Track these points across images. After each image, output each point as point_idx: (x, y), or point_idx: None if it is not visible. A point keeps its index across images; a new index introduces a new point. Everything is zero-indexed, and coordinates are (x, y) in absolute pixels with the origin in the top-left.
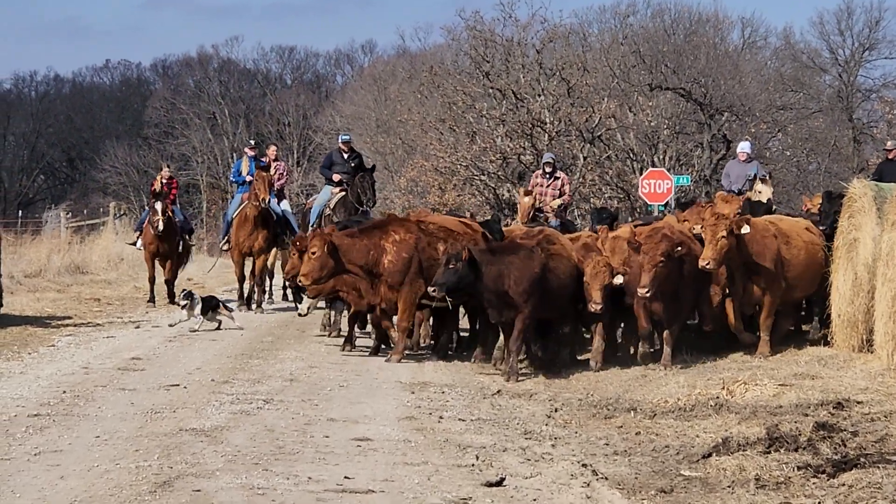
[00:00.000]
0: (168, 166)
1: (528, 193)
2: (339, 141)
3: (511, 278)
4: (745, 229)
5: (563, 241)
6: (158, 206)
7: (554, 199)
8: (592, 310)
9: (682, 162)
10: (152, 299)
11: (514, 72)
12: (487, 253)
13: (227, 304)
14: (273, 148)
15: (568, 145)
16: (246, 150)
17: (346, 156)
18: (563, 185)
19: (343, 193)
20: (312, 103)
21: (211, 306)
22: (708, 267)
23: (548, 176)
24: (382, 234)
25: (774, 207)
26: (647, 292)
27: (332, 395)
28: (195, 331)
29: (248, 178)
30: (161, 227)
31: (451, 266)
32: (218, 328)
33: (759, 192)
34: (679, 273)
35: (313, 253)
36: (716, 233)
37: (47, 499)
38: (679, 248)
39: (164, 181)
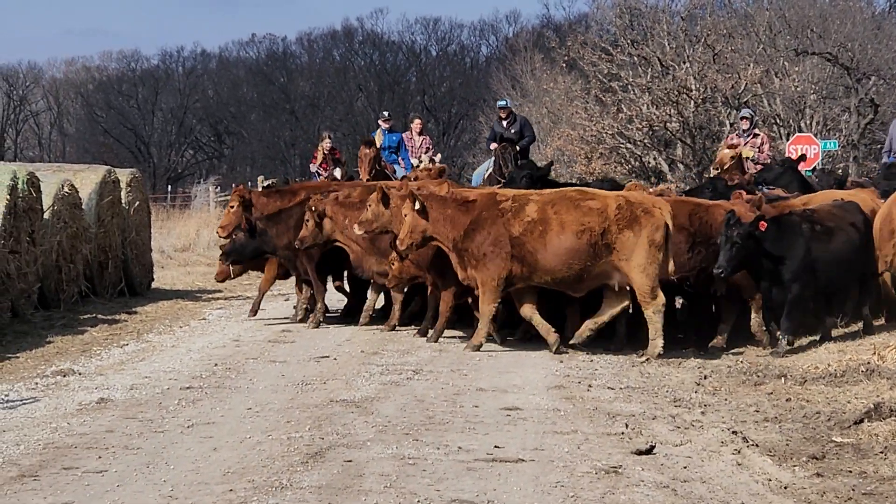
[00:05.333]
0: (330, 136)
1: (731, 146)
2: (497, 108)
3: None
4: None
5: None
6: (338, 172)
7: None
8: None
9: (829, 127)
10: None
11: (658, 39)
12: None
13: None
14: (418, 121)
15: (713, 112)
16: (380, 121)
17: (505, 123)
18: (762, 144)
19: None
20: (458, 74)
21: None
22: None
23: (745, 133)
24: (293, 197)
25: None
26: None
27: (481, 365)
28: None
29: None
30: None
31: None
32: None
33: None
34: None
35: (231, 207)
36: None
37: (200, 470)
38: None
39: (327, 152)
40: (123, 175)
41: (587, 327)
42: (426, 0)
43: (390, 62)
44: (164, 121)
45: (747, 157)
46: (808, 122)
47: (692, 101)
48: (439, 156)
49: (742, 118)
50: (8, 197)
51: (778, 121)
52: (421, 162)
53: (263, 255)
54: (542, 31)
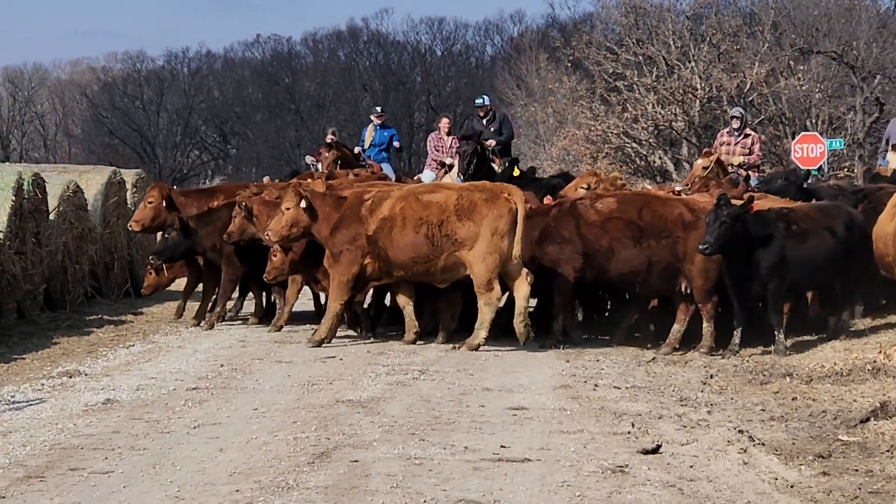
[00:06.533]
0: (334, 133)
1: (704, 155)
2: (476, 106)
3: None
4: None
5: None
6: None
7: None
8: None
9: (834, 126)
10: None
11: (663, 39)
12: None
13: None
14: (446, 120)
15: (719, 111)
16: (372, 117)
17: (485, 121)
18: (753, 144)
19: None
20: (462, 74)
21: None
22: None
23: (736, 133)
24: (209, 199)
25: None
26: None
27: (487, 365)
28: None
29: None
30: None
31: (166, 235)
32: None
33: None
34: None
35: (150, 202)
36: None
37: (207, 471)
38: None
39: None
40: (129, 176)
41: (519, 328)
42: (431, 0)
43: (395, 62)
44: (169, 121)
45: (734, 164)
46: (813, 121)
47: (697, 101)
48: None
49: (732, 118)
50: (13, 198)
51: (783, 120)
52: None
53: (194, 255)
54: (548, 30)
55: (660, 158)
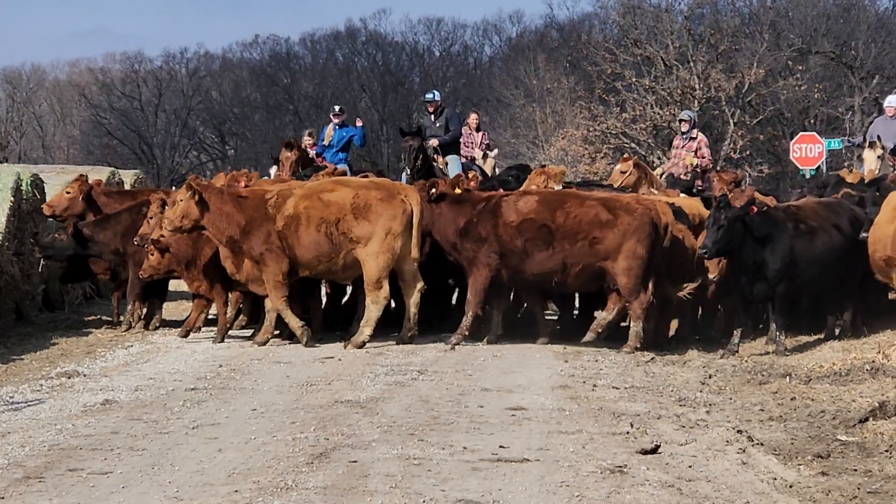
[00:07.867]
0: (311, 134)
1: (624, 160)
2: (425, 101)
3: None
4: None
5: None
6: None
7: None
8: None
9: (833, 126)
10: None
11: (661, 39)
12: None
13: None
14: (474, 116)
15: (717, 111)
16: (331, 115)
17: (433, 117)
18: (699, 148)
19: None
20: (461, 75)
21: None
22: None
23: (684, 136)
24: (132, 200)
25: None
26: None
27: (486, 365)
28: None
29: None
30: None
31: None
32: None
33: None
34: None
35: (67, 192)
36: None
37: (206, 471)
38: None
39: (309, 147)
40: (127, 176)
41: (405, 336)
42: (429, 0)
43: (393, 62)
44: (167, 122)
45: (690, 164)
46: (811, 121)
47: (696, 101)
48: (496, 150)
49: (681, 121)
50: (12, 199)
51: (782, 120)
52: (478, 158)
53: (82, 260)
54: (546, 31)
55: (658, 159)
